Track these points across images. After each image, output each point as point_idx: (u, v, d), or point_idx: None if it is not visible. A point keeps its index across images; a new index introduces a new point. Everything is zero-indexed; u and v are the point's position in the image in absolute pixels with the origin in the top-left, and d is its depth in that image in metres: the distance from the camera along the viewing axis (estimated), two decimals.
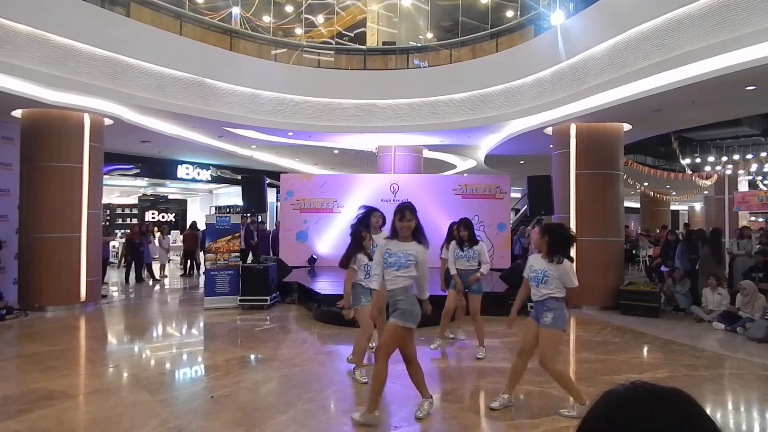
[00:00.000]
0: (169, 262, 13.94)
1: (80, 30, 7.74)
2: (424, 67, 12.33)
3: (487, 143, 12.34)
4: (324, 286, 8.91)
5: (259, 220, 11.13)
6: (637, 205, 24.11)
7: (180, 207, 20.99)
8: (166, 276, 13.27)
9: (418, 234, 3.77)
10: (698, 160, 17.23)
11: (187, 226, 14.91)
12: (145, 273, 12.43)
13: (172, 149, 13.51)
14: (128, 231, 13.60)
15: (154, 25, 9.48)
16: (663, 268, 10.56)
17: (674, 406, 0.73)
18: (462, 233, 5.69)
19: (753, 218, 21.71)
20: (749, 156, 16.06)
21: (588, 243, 8.76)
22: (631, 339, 6.75)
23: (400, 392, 4.61)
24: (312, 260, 11.27)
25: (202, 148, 13.01)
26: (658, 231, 14.62)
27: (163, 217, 19.47)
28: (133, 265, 12.30)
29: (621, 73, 7.11)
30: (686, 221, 27.84)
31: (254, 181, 9.47)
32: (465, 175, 16.18)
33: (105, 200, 11.08)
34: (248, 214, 11.14)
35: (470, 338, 6.33)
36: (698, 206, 28.90)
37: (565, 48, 8.28)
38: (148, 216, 19.13)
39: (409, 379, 5.00)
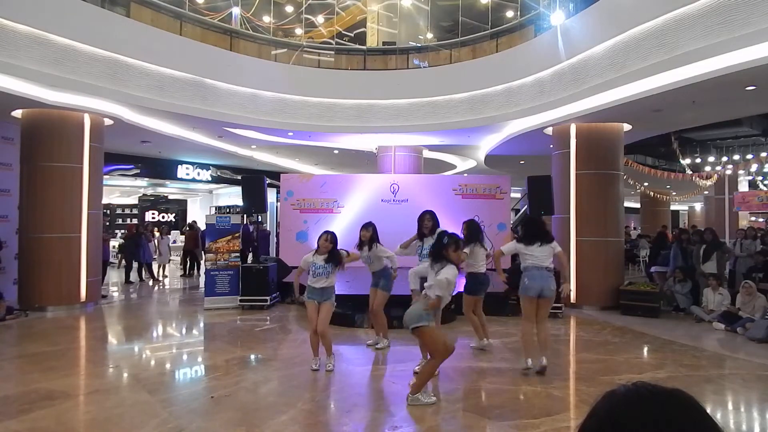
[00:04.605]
0: (169, 262, 13.94)
1: (80, 30, 7.74)
2: (424, 67, 12.33)
3: (487, 143, 12.34)
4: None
5: (259, 220, 11.10)
6: (637, 205, 24.10)
7: (180, 207, 20.97)
8: (167, 276, 13.27)
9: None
10: (698, 160, 17.22)
11: (186, 226, 14.93)
12: (145, 273, 12.45)
13: (172, 149, 13.51)
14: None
15: (154, 25, 9.47)
16: (653, 269, 10.51)
17: (676, 407, 0.73)
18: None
19: (753, 218, 21.71)
20: (749, 156, 16.05)
21: (588, 243, 8.76)
22: (632, 339, 6.75)
23: (400, 392, 4.61)
24: None
25: (202, 149, 13.01)
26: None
27: (163, 217, 19.47)
28: (134, 265, 12.33)
29: (621, 73, 7.11)
30: (684, 223, 27.91)
31: (254, 182, 9.46)
32: (465, 175, 16.17)
33: (105, 200, 11.08)
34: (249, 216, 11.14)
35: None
36: (698, 206, 28.90)
37: (565, 48, 8.28)
38: (148, 216, 19.13)
39: (408, 380, 5.02)
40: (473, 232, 5.79)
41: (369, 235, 5.80)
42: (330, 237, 5.16)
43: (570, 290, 5.60)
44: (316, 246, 5.26)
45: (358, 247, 5.87)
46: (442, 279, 4.08)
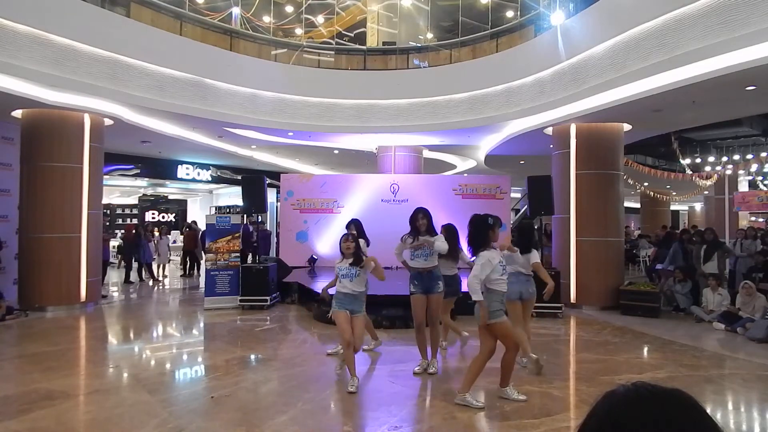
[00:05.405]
0: (169, 262, 13.94)
1: (80, 30, 7.74)
2: (424, 67, 12.33)
3: (487, 143, 12.34)
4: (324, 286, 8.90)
5: (260, 220, 11.11)
6: (637, 205, 24.10)
7: (180, 207, 20.97)
8: (166, 276, 13.27)
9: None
10: (698, 160, 17.22)
11: (186, 226, 14.93)
12: (144, 273, 12.45)
13: (172, 149, 13.51)
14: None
15: (154, 25, 9.47)
16: (658, 266, 10.56)
17: (676, 407, 0.73)
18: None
19: (753, 218, 21.71)
20: (749, 156, 16.05)
21: (588, 243, 8.76)
22: (632, 339, 6.75)
23: (401, 392, 4.61)
24: (312, 260, 11.27)
25: (202, 149, 13.01)
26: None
27: (163, 217, 19.47)
28: (134, 264, 12.35)
29: (621, 73, 7.11)
30: (684, 223, 27.91)
31: (254, 181, 9.46)
32: (465, 175, 16.17)
33: (105, 200, 11.08)
34: (249, 216, 11.15)
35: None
36: (698, 206, 28.90)
37: (565, 48, 8.28)
38: (148, 216, 19.13)
39: (409, 380, 5.02)
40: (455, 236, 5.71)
41: (355, 234, 5.79)
42: (351, 238, 4.84)
43: (551, 291, 5.47)
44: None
45: None
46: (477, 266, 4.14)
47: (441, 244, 5.01)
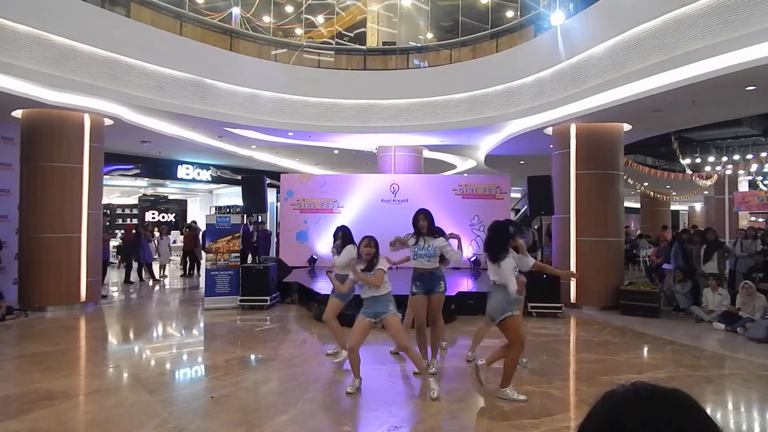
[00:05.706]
0: (169, 262, 13.95)
1: (80, 30, 7.74)
2: (424, 67, 12.33)
3: (487, 143, 12.34)
4: (324, 286, 8.90)
5: (260, 220, 11.11)
6: (637, 205, 24.10)
7: (180, 207, 20.96)
8: (166, 276, 13.27)
9: None
10: (698, 160, 17.22)
11: (186, 227, 14.94)
12: (145, 273, 12.45)
13: (172, 149, 13.51)
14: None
15: (154, 25, 9.47)
16: (665, 265, 10.59)
17: (676, 407, 0.73)
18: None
19: (753, 218, 21.71)
20: (749, 156, 16.06)
21: (588, 243, 8.76)
22: (632, 339, 6.75)
23: (401, 392, 4.61)
24: (312, 260, 11.27)
25: (202, 149, 13.01)
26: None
27: (163, 217, 19.47)
28: (134, 265, 12.35)
29: (621, 73, 7.11)
30: (684, 223, 27.90)
31: (254, 181, 9.47)
32: (465, 175, 16.17)
33: (105, 200, 11.08)
34: (249, 216, 11.15)
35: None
36: (698, 206, 28.90)
37: (565, 48, 8.28)
38: (148, 216, 19.13)
39: (409, 380, 5.02)
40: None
41: (340, 243, 5.76)
42: (371, 242, 4.47)
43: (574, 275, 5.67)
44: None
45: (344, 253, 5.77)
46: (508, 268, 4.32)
47: (458, 256, 5.14)
